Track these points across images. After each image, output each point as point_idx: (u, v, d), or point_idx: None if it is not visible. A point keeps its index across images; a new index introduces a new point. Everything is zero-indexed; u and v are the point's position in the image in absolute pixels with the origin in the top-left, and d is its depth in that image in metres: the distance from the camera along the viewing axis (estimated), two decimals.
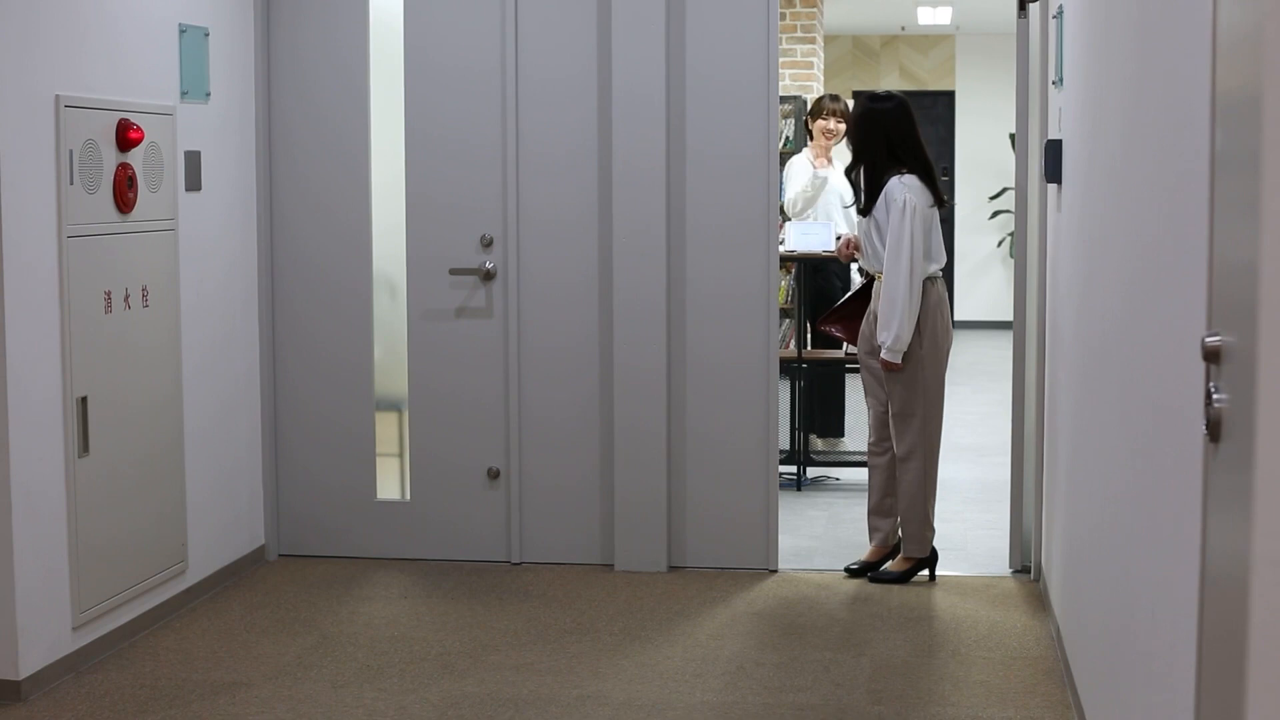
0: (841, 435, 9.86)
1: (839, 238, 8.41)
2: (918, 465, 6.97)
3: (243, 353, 7.23)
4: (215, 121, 6.90)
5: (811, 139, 9.81)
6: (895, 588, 6.95)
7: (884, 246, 6.89)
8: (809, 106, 9.91)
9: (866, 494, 7.31)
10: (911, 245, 6.84)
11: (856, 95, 7.12)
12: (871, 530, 7.23)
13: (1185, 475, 3.15)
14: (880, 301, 6.89)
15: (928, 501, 7.03)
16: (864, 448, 9.64)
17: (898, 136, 7.10)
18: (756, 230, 7.13)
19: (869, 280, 7.24)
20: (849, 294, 7.65)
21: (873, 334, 7.01)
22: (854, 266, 8.49)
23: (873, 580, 7.04)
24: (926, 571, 7.10)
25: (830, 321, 7.49)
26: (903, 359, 6.87)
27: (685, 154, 7.15)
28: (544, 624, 6.42)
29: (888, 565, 7.11)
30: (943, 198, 7.12)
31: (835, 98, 9.84)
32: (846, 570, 7.16)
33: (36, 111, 5.57)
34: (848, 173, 7.48)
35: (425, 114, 7.35)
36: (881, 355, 6.88)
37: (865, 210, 7.08)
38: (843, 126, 9.73)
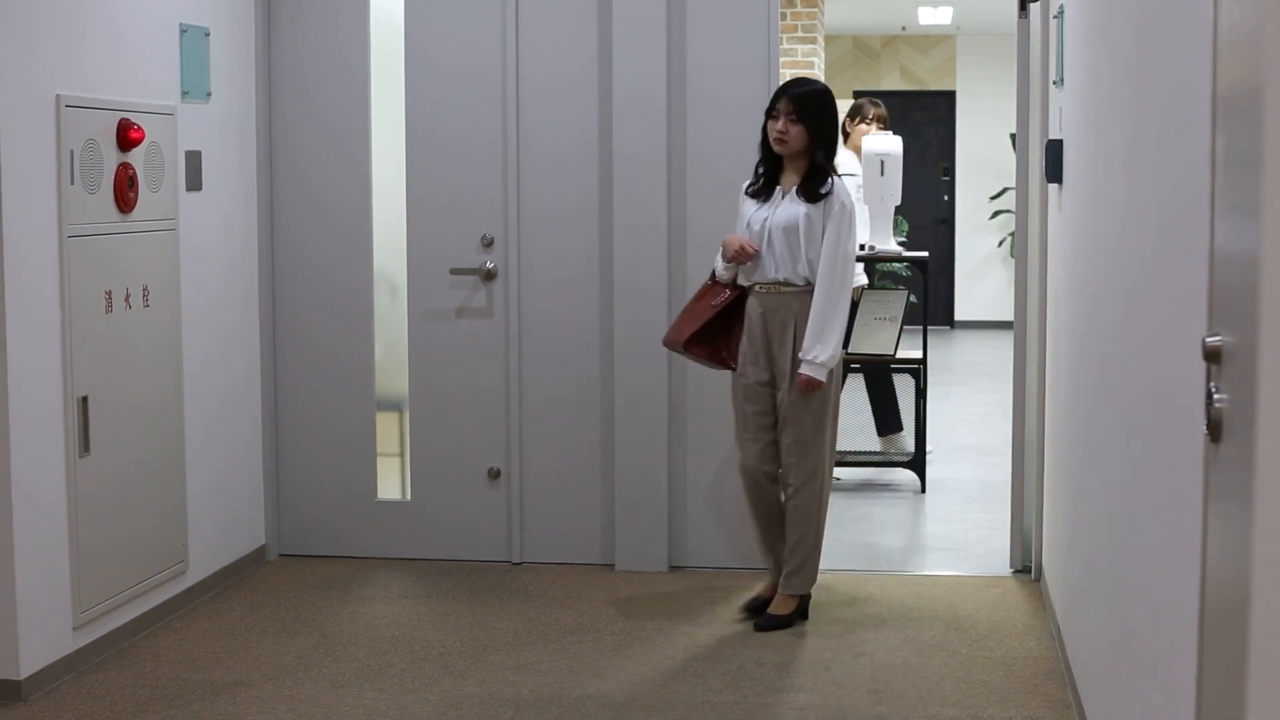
0: (900, 430, 9.82)
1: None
2: (817, 492, 6.32)
3: (243, 352, 7.22)
4: (216, 121, 6.90)
5: (847, 140, 9.78)
6: (895, 586, 6.94)
7: (808, 248, 6.19)
8: (849, 109, 9.87)
9: (759, 530, 6.52)
10: (854, 254, 6.30)
11: (790, 85, 6.30)
12: (780, 579, 6.47)
13: (1186, 475, 3.15)
14: (818, 312, 6.14)
15: (822, 531, 6.45)
16: (867, 447, 9.70)
17: (838, 131, 6.47)
18: None
19: (740, 292, 6.44)
20: (702, 315, 6.51)
21: (767, 356, 6.30)
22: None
23: (760, 629, 6.32)
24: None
25: (695, 345, 6.49)
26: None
27: (686, 153, 7.14)
28: (545, 624, 6.42)
29: (772, 610, 6.40)
30: None
31: (877, 102, 9.79)
32: (745, 610, 6.50)
33: (37, 111, 5.57)
34: (767, 160, 6.42)
35: (426, 114, 7.35)
36: (805, 373, 6.14)
37: (808, 199, 6.28)
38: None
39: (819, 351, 6.13)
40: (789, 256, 6.24)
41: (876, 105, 9.80)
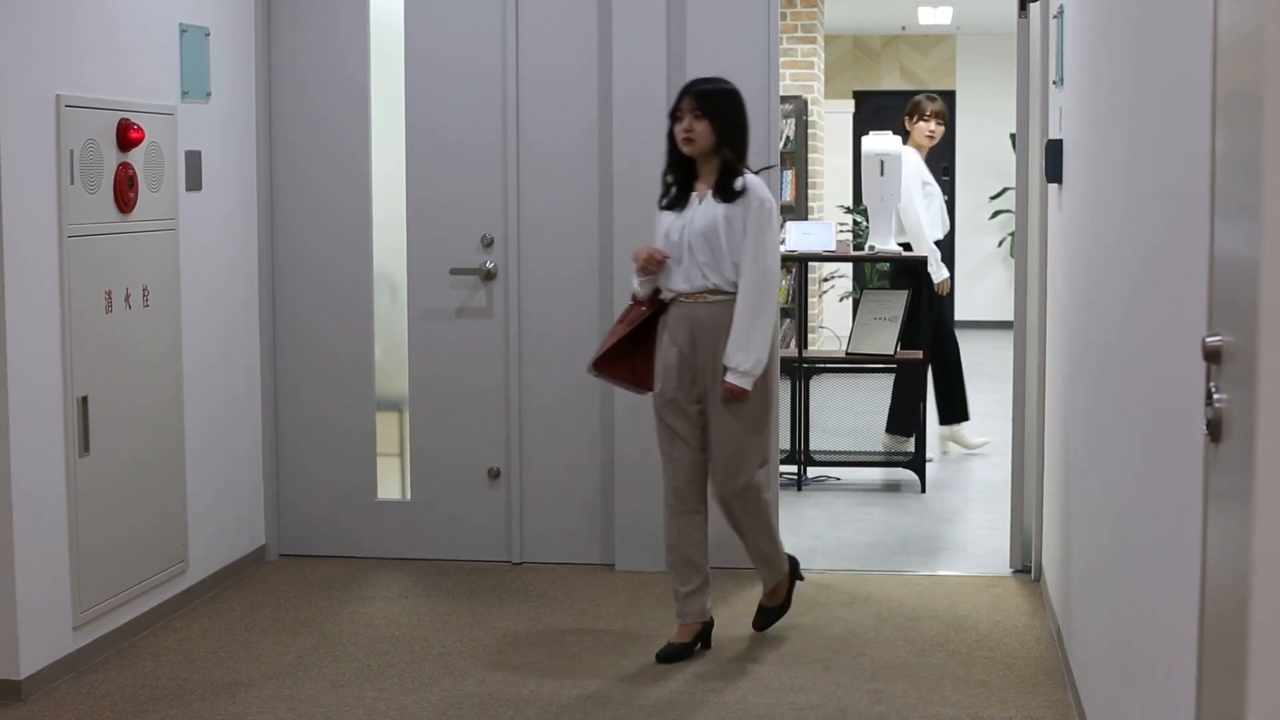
0: (909, 436, 9.86)
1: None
2: (756, 500, 6.03)
3: (243, 352, 7.22)
4: (216, 121, 6.90)
5: (908, 139, 9.80)
6: (895, 586, 6.95)
7: (731, 251, 5.86)
8: (908, 106, 9.91)
9: (673, 566, 6.10)
10: (778, 253, 5.99)
11: (693, 83, 6.03)
12: (684, 611, 6.06)
13: (1186, 475, 3.15)
14: (742, 316, 5.81)
15: (775, 533, 6.29)
16: (867, 447, 9.71)
17: (747, 123, 6.10)
18: None
19: (657, 308, 6.07)
20: (620, 331, 6.16)
21: (693, 370, 5.95)
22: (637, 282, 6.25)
23: (762, 629, 6.27)
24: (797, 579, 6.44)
25: (607, 366, 6.18)
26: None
27: None
28: (544, 624, 6.42)
29: (764, 603, 6.32)
30: None
31: (934, 97, 9.81)
32: (659, 659, 5.98)
33: (37, 111, 5.57)
34: (674, 168, 6.03)
35: (426, 114, 7.34)
36: (730, 381, 5.83)
37: (721, 200, 5.93)
38: (942, 129, 9.77)
39: (742, 358, 5.82)
40: (713, 262, 5.90)
41: (934, 101, 9.80)
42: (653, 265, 5.97)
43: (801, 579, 6.50)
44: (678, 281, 5.96)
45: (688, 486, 6.01)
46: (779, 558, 6.26)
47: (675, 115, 5.98)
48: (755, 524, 6.09)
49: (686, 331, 5.95)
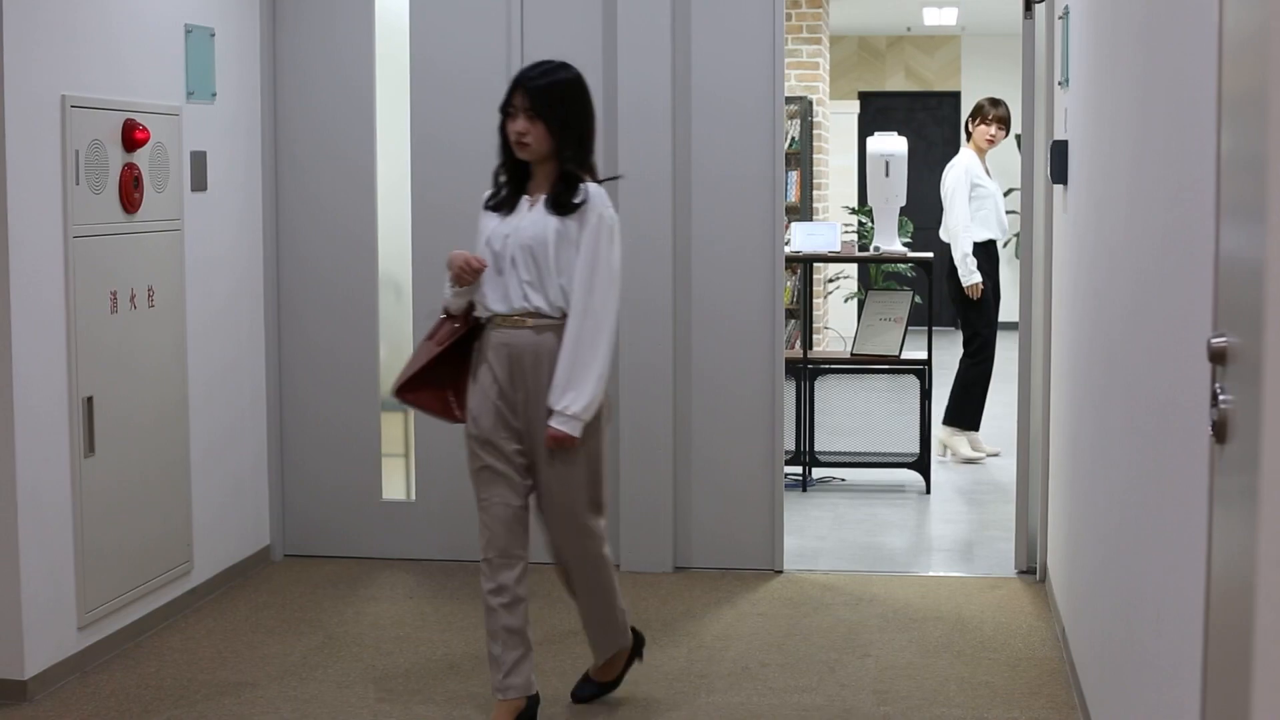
0: (973, 429, 9.99)
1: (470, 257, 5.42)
2: (598, 563, 5.33)
3: (248, 353, 7.22)
4: (221, 122, 6.90)
5: (969, 139, 9.83)
6: (899, 587, 6.94)
7: (560, 271, 5.08)
8: (972, 109, 9.94)
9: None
10: (619, 277, 5.16)
11: (526, 73, 5.18)
12: (505, 685, 5.28)
13: (1191, 476, 3.14)
14: (570, 351, 5.03)
15: (616, 598, 5.45)
16: (871, 448, 9.70)
17: (593, 123, 5.30)
18: (762, 230, 7.13)
19: (472, 325, 5.30)
20: (424, 355, 5.36)
21: (511, 405, 5.16)
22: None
23: (582, 700, 5.56)
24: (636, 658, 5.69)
25: (413, 392, 5.38)
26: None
27: (690, 156, 7.14)
28: (549, 624, 6.42)
29: (592, 675, 5.60)
30: None
31: (996, 102, 9.80)
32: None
33: (42, 112, 5.58)
34: (508, 165, 5.26)
35: (431, 116, 7.34)
36: (555, 426, 5.03)
37: (559, 212, 5.13)
38: (1004, 133, 9.77)
39: (571, 400, 5.02)
40: (537, 281, 5.09)
41: (997, 106, 9.79)
42: (468, 275, 5.14)
43: (642, 659, 5.68)
44: (494, 300, 5.16)
45: (508, 538, 5.15)
46: (619, 626, 5.47)
47: (507, 110, 5.16)
48: (593, 584, 5.35)
49: (505, 361, 5.14)
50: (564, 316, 5.07)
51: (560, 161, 5.12)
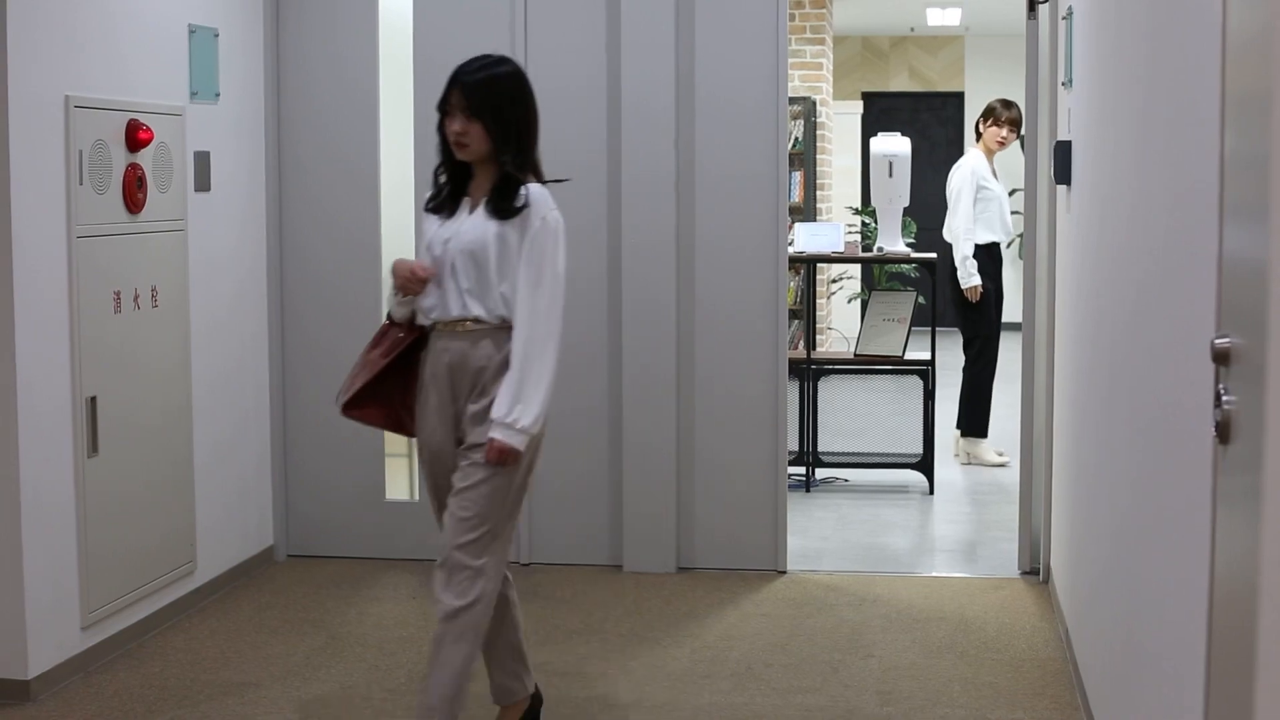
0: (982, 436, 9.97)
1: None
2: (493, 586, 4.83)
3: (252, 352, 7.23)
4: (225, 122, 6.91)
5: (979, 140, 9.82)
6: (903, 588, 6.94)
7: (501, 278, 4.78)
8: (983, 110, 9.93)
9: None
10: (563, 283, 4.84)
11: (464, 68, 4.86)
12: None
13: (1194, 477, 3.14)
14: (518, 361, 4.71)
15: (474, 656, 4.86)
16: (874, 449, 9.70)
17: (535, 120, 4.98)
18: (766, 231, 7.13)
19: (419, 333, 4.98)
20: (370, 368, 5.06)
21: (455, 414, 4.87)
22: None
23: None
24: None
25: (360, 407, 5.08)
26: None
27: (694, 158, 7.14)
28: (552, 625, 6.42)
29: None
30: None
31: (1009, 104, 9.77)
32: None
33: (46, 112, 5.58)
34: (449, 165, 4.97)
35: (435, 117, 7.30)
36: (498, 438, 4.69)
37: (500, 215, 4.82)
38: (1015, 136, 9.75)
39: (520, 413, 4.70)
40: (477, 289, 4.80)
41: (1009, 108, 9.76)
42: (414, 285, 4.87)
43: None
44: (434, 307, 4.89)
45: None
46: (519, 665, 5.13)
47: (444, 108, 4.88)
48: (461, 636, 4.77)
49: (445, 370, 4.87)
50: (503, 324, 4.79)
51: (500, 163, 4.84)
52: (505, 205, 4.80)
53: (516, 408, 4.71)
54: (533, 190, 4.82)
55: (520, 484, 4.84)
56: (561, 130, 7.23)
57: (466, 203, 4.90)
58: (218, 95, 6.81)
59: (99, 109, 5.86)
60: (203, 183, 6.67)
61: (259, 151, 7.27)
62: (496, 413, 4.70)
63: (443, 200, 4.95)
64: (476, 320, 4.81)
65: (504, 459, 4.72)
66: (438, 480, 4.96)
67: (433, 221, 4.96)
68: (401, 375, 5.01)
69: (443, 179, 4.98)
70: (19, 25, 5.40)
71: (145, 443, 6.23)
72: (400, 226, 7.44)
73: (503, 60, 4.94)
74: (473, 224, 4.83)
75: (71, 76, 5.72)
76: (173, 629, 6.37)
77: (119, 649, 6.06)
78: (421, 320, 4.95)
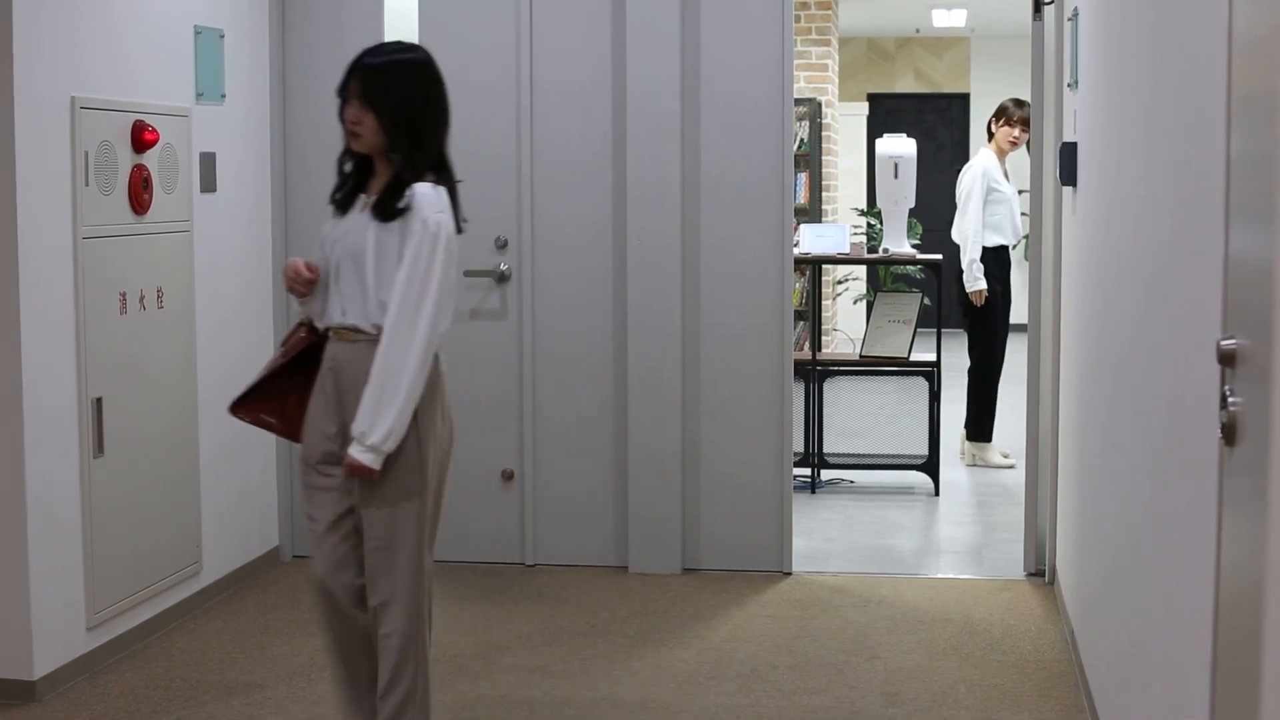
0: (986, 440, 9.91)
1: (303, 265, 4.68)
2: (412, 615, 4.55)
3: (257, 353, 7.22)
4: (230, 123, 6.91)
5: (990, 140, 9.81)
6: (908, 589, 6.93)
7: (379, 284, 4.46)
8: (995, 109, 9.92)
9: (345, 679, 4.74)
10: (439, 296, 4.44)
11: (364, 55, 4.55)
12: None
13: (1200, 478, 3.14)
14: (377, 375, 4.39)
15: (425, 669, 4.62)
16: (880, 450, 9.69)
17: (439, 114, 4.63)
18: (771, 233, 7.13)
19: (312, 341, 4.71)
20: (274, 363, 4.84)
21: (340, 425, 4.56)
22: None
23: None
24: None
25: (251, 408, 4.86)
26: (385, 465, 4.45)
27: (700, 159, 7.14)
28: (558, 626, 6.42)
29: None
30: (462, 226, 4.66)
31: (1021, 103, 9.73)
32: None
33: (51, 113, 5.58)
34: (353, 155, 4.63)
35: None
36: (355, 456, 4.41)
37: (382, 218, 4.49)
38: (1027, 135, 9.68)
39: (372, 429, 4.39)
40: (357, 295, 4.50)
41: (1021, 107, 9.70)
42: (298, 286, 4.59)
43: None
44: (322, 312, 4.63)
45: (333, 580, 4.61)
46: (415, 713, 4.63)
47: (342, 94, 4.54)
48: (401, 650, 4.56)
49: (332, 379, 4.58)
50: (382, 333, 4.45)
51: (389, 159, 4.51)
52: (387, 206, 4.46)
53: (365, 421, 4.40)
54: (418, 191, 4.45)
55: (416, 497, 4.52)
56: (566, 132, 7.25)
57: (361, 200, 4.58)
58: (223, 96, 6.82)
59: (104, 110, 5.87)
60: (208, 184, 6.68)
61: (265, 152, 7.27)
62: (353, 428, 4.43)
63: (344, 195, 4.63)
64: (355, 328, 4.51)
65: (357, 475, 4.44)
66: (312, 491, 4.67)
67: (332, 218, 4.65)
68: (301, 377, 4.71)
69: (347, 169, 4.64)
70: (24, 26, 5.40)
71: (151, 444, 6.23)
72: None
73: (411, 48, 4.64)
74: (357, 226, 4.52)
75: (77, 77, 5.73)
76: (178, 630, 6.38)
77: (124, 650, 6.06)
78: (319, 324, 4.67)
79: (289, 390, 4.76)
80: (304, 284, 4.58)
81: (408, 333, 4.38)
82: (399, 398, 4.38)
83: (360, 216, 4.52)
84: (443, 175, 4.59)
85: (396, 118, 4.47)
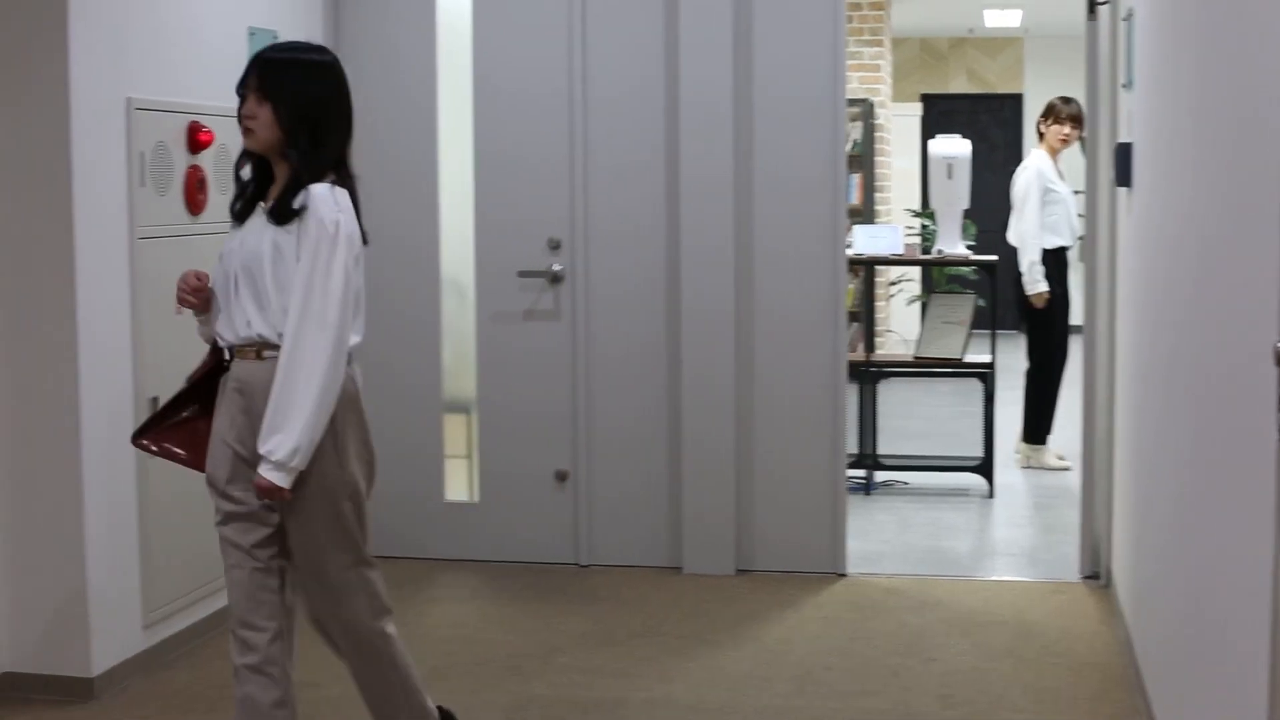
0: (1041, 443, 9.85)
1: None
2: (375, 638, 4.52)
3: None
4: None
5: (1041, 140, 9.77)
6: (963, 591, 6.91)
7: (278, 292, 4.24)
8: (1044, 108, 9.88)
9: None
10: (344, 298, 4.18)
11: (266, 49, 4.49)
12: None
13: (1256, 480, 3.12)
14: (280, 386, 4.15)
15: (412, 685, 4.62)
16: (935, 451, 9.66)
17: (340, 116, 4.46)
18: (824, 234, 7.11)
19: (217, 362, 4.46)
20: (179, 393, 4.58)
21: (251, 448, 4.28)
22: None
23: None
24: None
25: (155, 437, 4.56)
26: (296, 484, 4.22)
27: (753, 160, 7.13)
28: (611, 626, 6.43)
29: None
30: (367, 236, 4.41)
31: (1068, 100, 9.69)
32: None
33: (108, 114, 5.62)
34: (251, 158, 4.45)
35: (494, 118, 7.35)
36: (264, 474, 4.18)
37: (277, 221, 4.27)
38: (1078, 132, 9.62)
39: (277, 444, 4.13)
40: (258, 305, 4.26)
41: (1069, 104, 9.65)
42: (190, 297, 4.39)
43: None
44: (224, 328, 4.36)
45: (248, 611, 4.42)
46: (412, 709, 4.60)
47: (243, 91, 4.37)
48: (372, 671, 4.54)
49: (238, 400, 4.33)
50: None
51: (285, 157, 4.29)
52: (282, 208, 4.23)
53: (273, 439, 4.14)
54: (314, 190, 4.23)
55: (334, 512, 4.31)
56: (619, 132, 7.26)
57: (260, 208, 4.35)
58: None
59: (160, 111, 5.90)
60: None
61: None
62: (258, 445, 4.18)
63: (244, 204, 4.41)
64: (263, 341, 4.26)
65: (269, 496, 4.21)
66: (222, 521, 4.44)
67: (231, 229, 4.44)
68: (210, 404, 4.46)
69: (245, 176, 4.43)
70: (80, 28, 5.44)
71: None
72: (460, 228, 7.44)
73: (318, 49, 4.50)
74: (255, 232, 4.30)
75: (132, 79, 5.77)
76: None
77: (180, 648, 6.09)
78: (221, 344, 4.41)
79: (197, 417, 4.51)
80: (194, 293, 4.38)
81: (312, 337, 4.14)
82: (306, 409, 4.12)
83: (257, 222, 4.32)
84: (343, 176, 4.37)
85: (294, 111, 4.28)
